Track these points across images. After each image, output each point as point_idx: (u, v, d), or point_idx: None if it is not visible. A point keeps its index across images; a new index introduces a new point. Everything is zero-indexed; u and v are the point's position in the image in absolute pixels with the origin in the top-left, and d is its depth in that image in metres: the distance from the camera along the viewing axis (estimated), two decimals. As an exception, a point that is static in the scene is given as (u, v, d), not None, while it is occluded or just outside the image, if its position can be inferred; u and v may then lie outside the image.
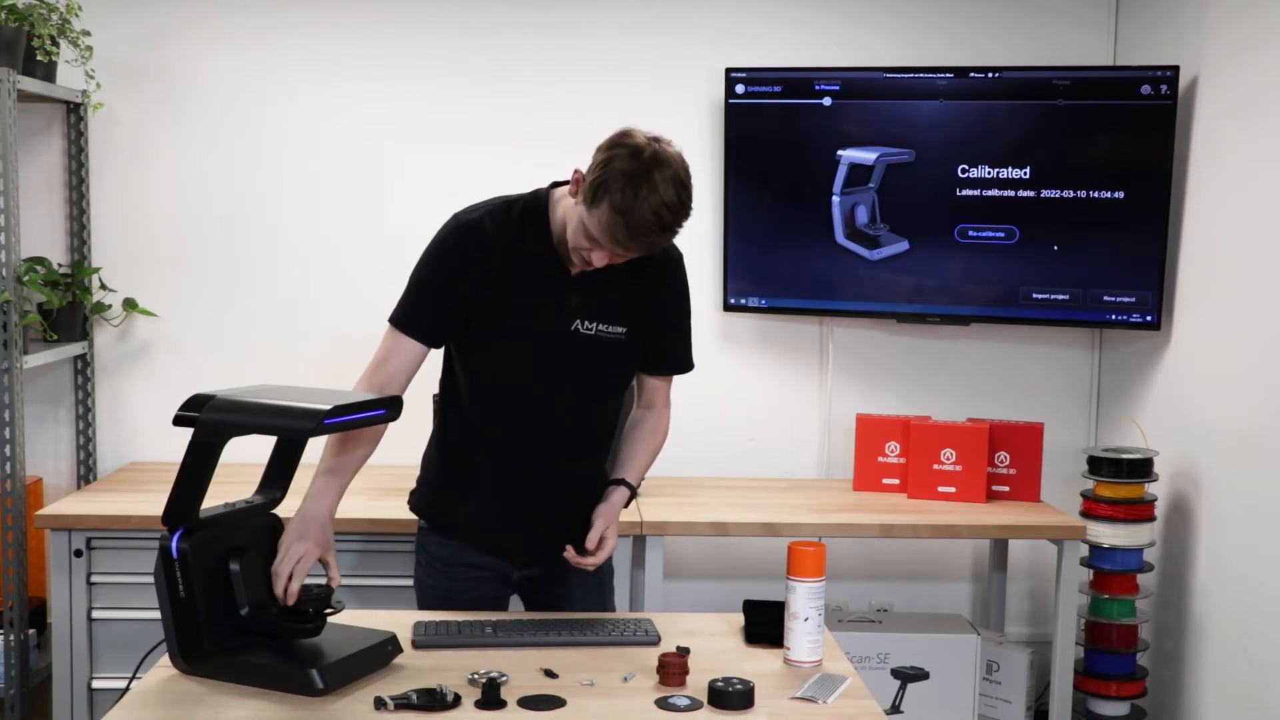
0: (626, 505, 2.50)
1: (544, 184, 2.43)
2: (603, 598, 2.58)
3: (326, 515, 2.26)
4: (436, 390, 3.44)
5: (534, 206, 2.36)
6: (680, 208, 2.18)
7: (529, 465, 2.43)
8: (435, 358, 2.53)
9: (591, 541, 2.39)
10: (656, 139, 2.20)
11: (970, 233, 3.72)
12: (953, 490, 3.59)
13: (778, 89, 3.76)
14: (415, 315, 2.37)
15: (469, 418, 2.44)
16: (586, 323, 2.36)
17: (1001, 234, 3.70)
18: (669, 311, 2.48)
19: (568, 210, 2.28)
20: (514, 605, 2.62)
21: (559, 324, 2.35)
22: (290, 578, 2.15)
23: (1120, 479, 3.46)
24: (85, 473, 3.82)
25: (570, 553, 2.39)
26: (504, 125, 3.87)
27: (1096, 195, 3.61)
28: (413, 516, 3.30)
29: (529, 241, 2.34)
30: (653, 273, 2.41)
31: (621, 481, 2.49)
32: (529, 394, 2.39)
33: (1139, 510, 3.47)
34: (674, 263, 2.46)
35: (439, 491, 2.54)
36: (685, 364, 2.56)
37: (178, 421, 2.03)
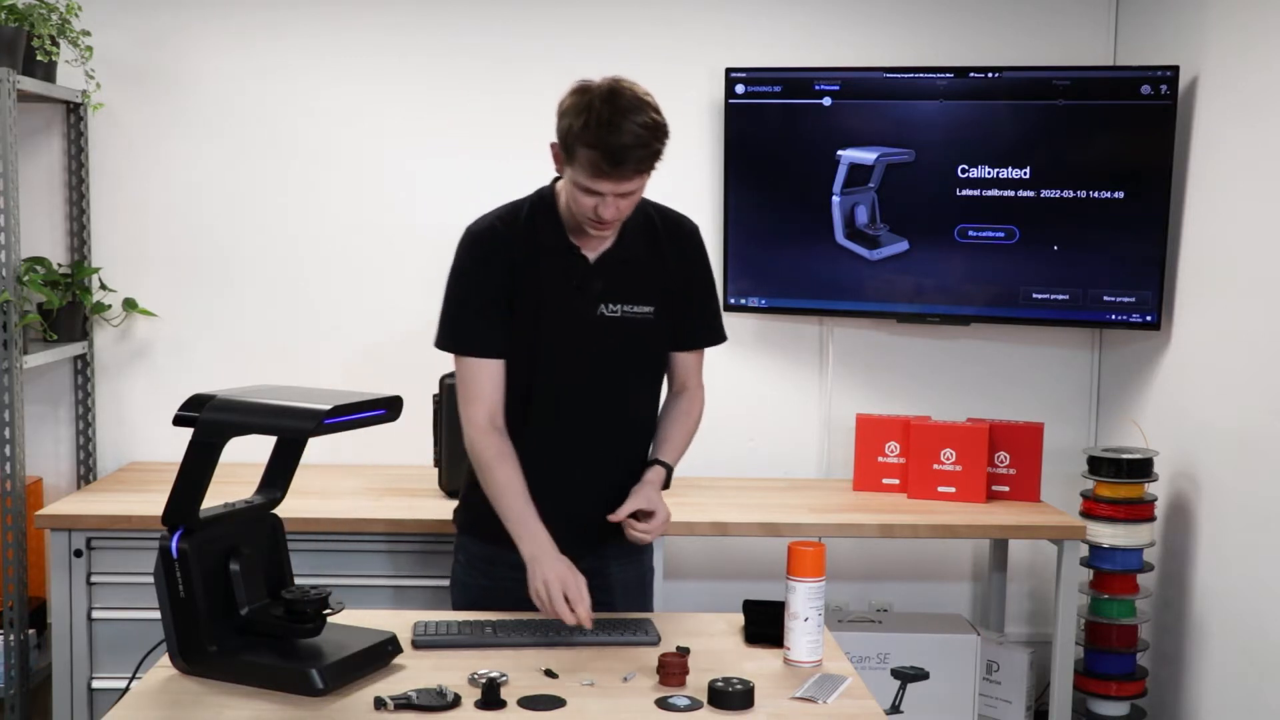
0: (666, 485, 2.49)
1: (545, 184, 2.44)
2: (643, 597, 2.57)
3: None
4: (436, 391, 3.46)
5: (540, 202, 2.39)
6: (641, 108, 2.20)
7: (572, 459, 2.42)
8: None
9: (619, 516, 2.37)
10: (608, 78, 2.26)
11: (970, 233, 3.72)
12: (953, 490, 3.59)
13: (778, 89, 3.76)
14: (466, 333, 2.38)
15: (508, 423, 2.42)
16: (611, 305, 2.38)
17: (1001, 234, 3.70)
18: (692, 284, 2.48)
19: (564, 188, 2.30)
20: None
21: (585, 310, 2.37)
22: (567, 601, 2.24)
23: (1120, 479, 3.46)
24: (85, 473, 3.82)
25: (624, 522, 2.38)
26: (505, 126, 3.87)
27: (1096, 195, 3.61)
28: (413, 516, 3.31)
29: (542, 236, 2.36)
30: (670, 247, 2.43)
31: (657, 461, 2.48)
32: (565, 385, 2.39)
33: (1139, 510, 3.47)
34: (689, 235, 2.48)
35: (485, 504, 2.48)
36: (715, 335, 2.55)
37: (178, 421, 2.04)
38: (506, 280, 2.36)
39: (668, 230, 2.46)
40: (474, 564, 2.52)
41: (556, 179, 2.40)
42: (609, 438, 2.46)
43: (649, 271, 2.41)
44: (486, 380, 2.38)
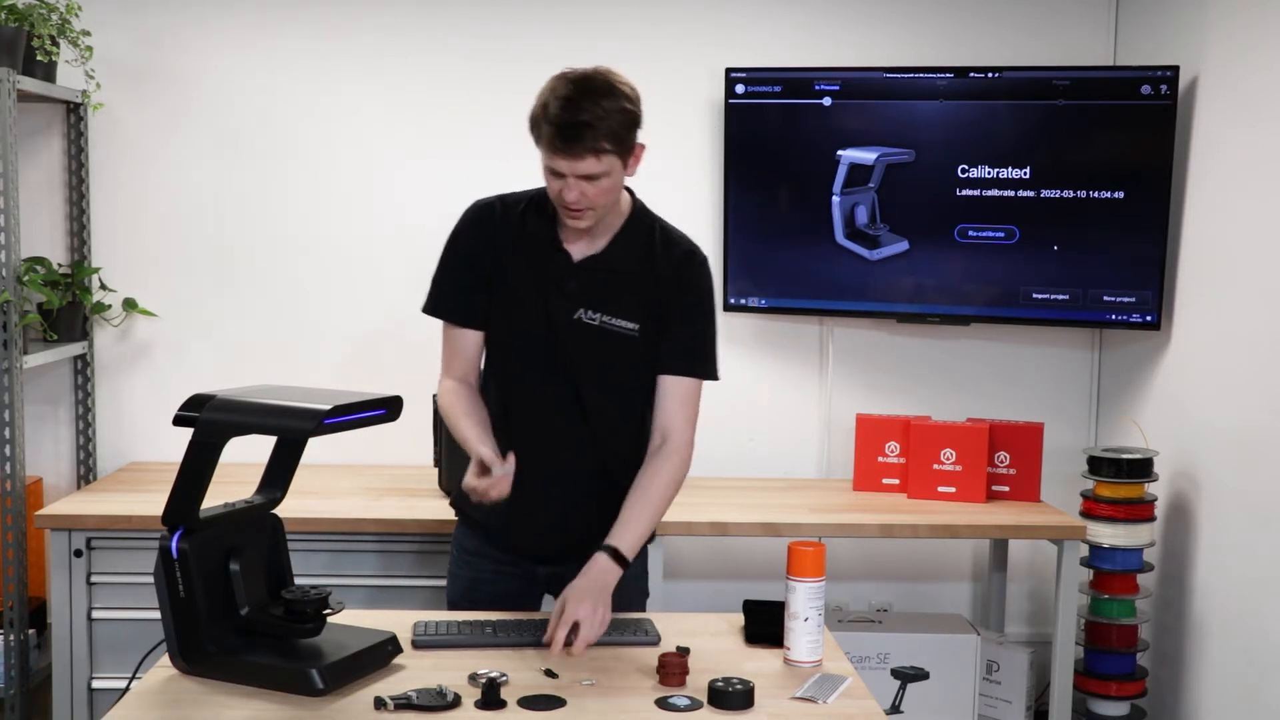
0: (626, 564, 2.27)
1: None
2: (625, 595, 2.42)
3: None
4: (436, 391, 3.47)
5: (542, 194, 2.38)
6: (611, 93, 2.19)
7: (542, 461, 2.39)
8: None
9: (548, 636, 2.15)
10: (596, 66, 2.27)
11: (970, 233, 3.72)
12: (953, 490, 3.59)
13: (778, 89, 3.76)
14: (442, 298, 2.42)
15: (491, 410, 2.43)
16: (590, 313, 2.35)
17: (1001, 234, 3.70)
18: (681, 306, 2.39)
19: None
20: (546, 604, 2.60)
21: (561, 311, 2.35)
22: None
23: (1120, 479, 3.46)
24: (85, 473, 3.82)
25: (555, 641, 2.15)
26: (505, 126, 3.83)
27: (1096, 195, 3.61)
28: (413, 516, 3.31)
29: (531, 224, 2.36)
30: (662, 266, 2.38)
31: (606, 548, 2.27)
32: (538, 385, 2.38)
33: (1139, 510, 3.47)
34: (684, 257, 2.41)
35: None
36: (696, 365, 2.39)
37: (178, 421, 2.04)
38: (488, 257, 2.37)
39: (664, 248, 2.39)
40: (463, 556, 2.54)
41: None
42: (587, 453, 2.41)
43: (635, 285, 2.36)
44: (464, 348, 2.41)
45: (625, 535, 2.29)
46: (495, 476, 2.18)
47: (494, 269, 2.37)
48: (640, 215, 2.41)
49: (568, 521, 2.43)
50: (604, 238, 2.36)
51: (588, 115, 2.17)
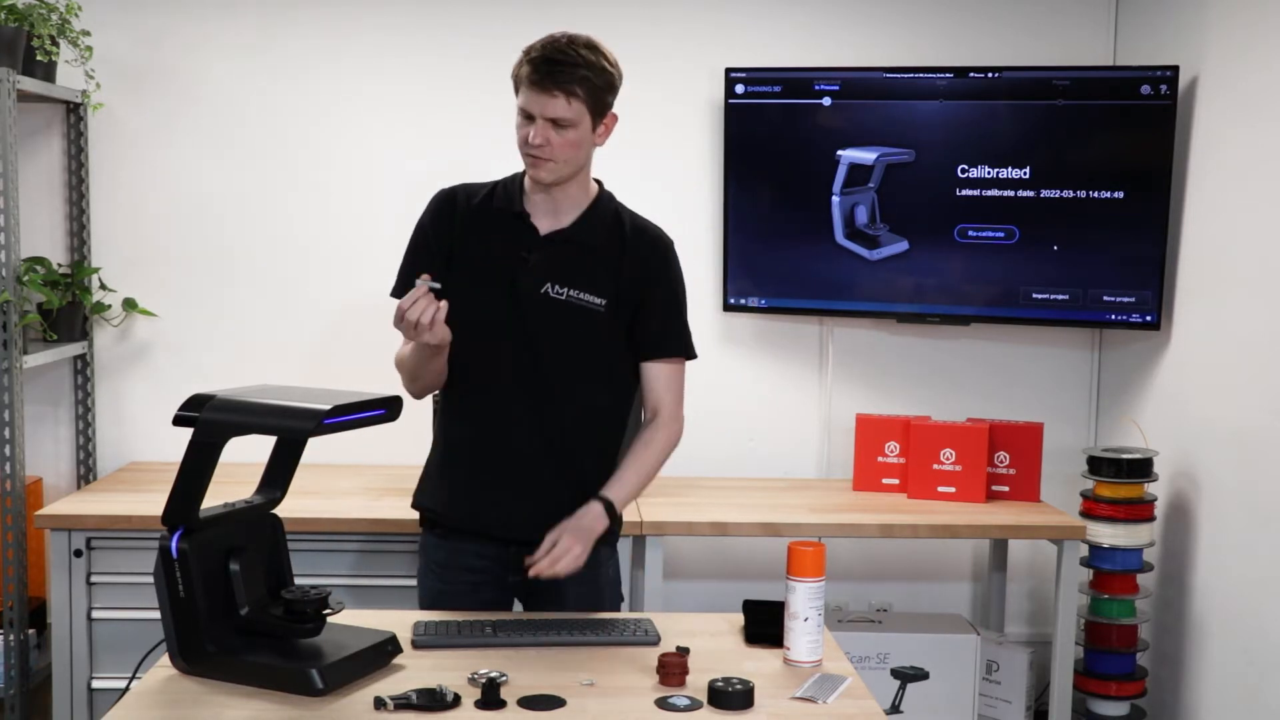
0: (612, 525, 2.41)
1: None
2: (598, 601, 2.50)
3: None
4: (436, 391, 3.46)
5: (508, 178, 2.44)
6: (595, 49, 2.32)
7: (508, 440, 2.41)
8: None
9: (534, 562, 2.29)
10: None
11: (970, 233, 3.72)
12: (953, 490, 3.59)
13: (778, 89, 3.76)
14: (407, 281, 2.44)
15: (454, 392, 2.45)
16: (557, 287, 2.37)
17: (1001, 234, 3.70)
18: (655, 291, 2.43)
19: None
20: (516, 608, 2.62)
21: (527, 284, 2.36)
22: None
23: (1120, 479, 3.46)
24: (85, 473, 3.82)
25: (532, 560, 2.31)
26: (506, 127, 3.84)
27: (1096, 195, 3.62)
28: (413, 516, 3.31)
29: (498, 199, 2.40)
30: (631, 249, 2.41)
31: (600, 498, 2.39)
32: (504, 360, 2.36)
33: (1139, 510, 3.47)
34: (652, 242, 2.45)
35: (434, 477, 2.54)
36: (679, 346, 2.47)
37: (178, 421, 2.04)
38: (445, 238, 2.41)
39: (633, 233, 2.43)
40: (431, 568, 2.53)
41: None
42: (550, 425, 2.41)
43: (601, 263, 2.38)
44: None
45: (618, 490, 2.41)
46: (418, 289, 2.20)
47: (456, 251, 2.40)
48: (607, 199, 2.46)
49: (529, 501, 2.41)
50: (570, 214, 2.40)
51: (567, 57, 2.27)
